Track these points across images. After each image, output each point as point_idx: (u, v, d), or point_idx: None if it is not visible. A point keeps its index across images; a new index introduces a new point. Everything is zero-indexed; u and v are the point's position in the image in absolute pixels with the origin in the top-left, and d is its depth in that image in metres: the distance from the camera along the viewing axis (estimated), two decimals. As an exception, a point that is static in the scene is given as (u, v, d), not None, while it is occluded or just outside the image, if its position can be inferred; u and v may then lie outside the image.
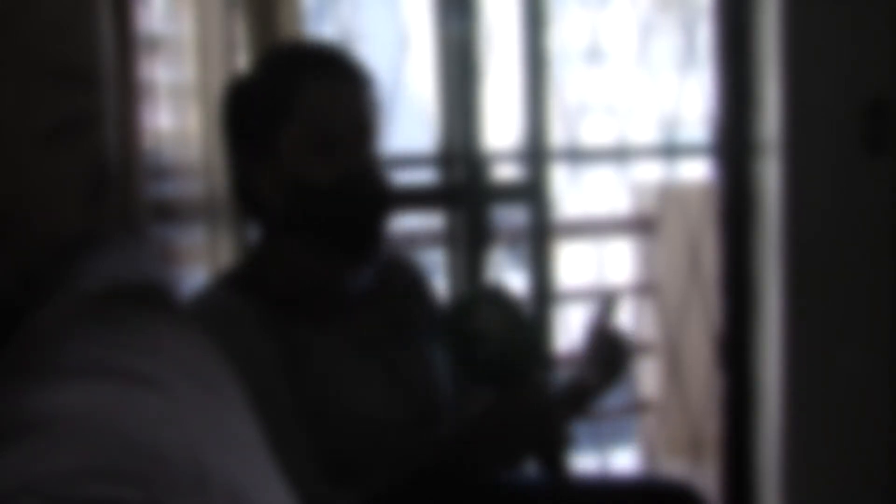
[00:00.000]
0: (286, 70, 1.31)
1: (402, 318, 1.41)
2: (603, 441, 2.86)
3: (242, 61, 1.68)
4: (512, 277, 2.49)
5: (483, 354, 1.27)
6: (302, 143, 1.28)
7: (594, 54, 3.42)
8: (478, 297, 1.34)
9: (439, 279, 2.02)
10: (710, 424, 2.41)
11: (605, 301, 1.39)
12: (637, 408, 3.67)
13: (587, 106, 3.65)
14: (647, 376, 3.62)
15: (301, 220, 1.29)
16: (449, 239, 2.08)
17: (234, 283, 1.32)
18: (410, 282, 1.46)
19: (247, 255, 1.54)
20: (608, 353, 1.40)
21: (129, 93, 1.47)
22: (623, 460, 3.34)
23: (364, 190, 1.30)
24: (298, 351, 1.27)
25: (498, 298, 1.30)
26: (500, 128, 2.21)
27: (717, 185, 2.27)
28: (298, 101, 1.27)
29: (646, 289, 3.58)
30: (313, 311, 1.32)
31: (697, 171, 2.85)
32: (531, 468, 1.33)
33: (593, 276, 3.33)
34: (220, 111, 1.35)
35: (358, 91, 1.31)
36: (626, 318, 3.64)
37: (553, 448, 1.25)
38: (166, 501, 0.65)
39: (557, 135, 2.51)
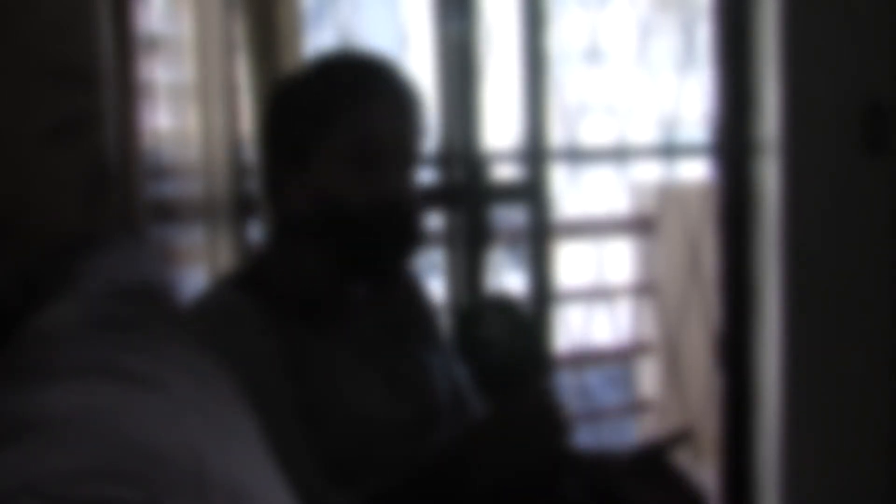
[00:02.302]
0: (337, 80, 1.29)
1: (400, 324, 1.42)
2: (603, 441, 2.86)
3: (242, 61, 1.68)
4: (512, 277, 2.49)
5: (489, 361, 1.28)
6: (341, 156, 1.26)
7: (594, 54, 3.42)
8: (484, 305, 1.35)
9: (439, 279, 2.02)
10: (710, 424, 2.41)
11: (673, 436, 1.34)
12: (637, 408, 3.68)
13: (587, 106, 3.66)
14: (647, 376, 3.62)
15: (326, 232, 1.28)
16: (449, 239, 2.08)
17: (237, 284, 1.32)
18: (407, 290, 1.47)
19: (253, 256, 1.54)
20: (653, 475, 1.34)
21: (128, 93, 1.47)
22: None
23: (395, 219, 1.28)
24: (299, 352, 1.27)
25: (503, 307, 1.30)
26: (500, 128, 2.21)
27: (717, 185, 2.27)
28: (345, 115, 1.26)
29: (645, 289, 3.59)
30: (315, 314, 1.32)
31: (697, 171, 2.86)
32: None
33: (593, 276, 3.33)
34: (263, 110, 1.34)
35: (406, 114, 1.29)
36: (625, 318, 3.65)
37: (556, 451, 1.26)
38: (166, 501, 0.65)
39: (557, 135, 2.52)
